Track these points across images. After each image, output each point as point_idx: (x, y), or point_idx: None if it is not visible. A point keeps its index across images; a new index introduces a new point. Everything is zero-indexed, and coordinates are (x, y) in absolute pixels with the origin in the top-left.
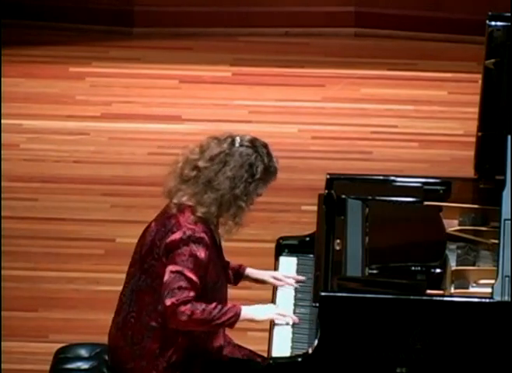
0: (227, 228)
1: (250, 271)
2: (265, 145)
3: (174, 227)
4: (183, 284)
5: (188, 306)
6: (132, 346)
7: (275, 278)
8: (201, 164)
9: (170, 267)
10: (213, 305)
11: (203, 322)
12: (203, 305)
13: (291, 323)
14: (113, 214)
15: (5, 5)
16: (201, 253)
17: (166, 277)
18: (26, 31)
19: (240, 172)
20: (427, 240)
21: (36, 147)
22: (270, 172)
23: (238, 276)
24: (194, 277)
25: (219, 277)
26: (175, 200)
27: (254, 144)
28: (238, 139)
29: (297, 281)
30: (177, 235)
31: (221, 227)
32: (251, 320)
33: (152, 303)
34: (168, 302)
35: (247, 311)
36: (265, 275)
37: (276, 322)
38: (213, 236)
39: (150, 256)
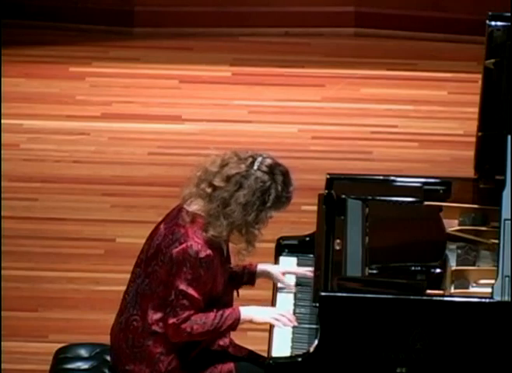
0: (241, 256)
1: (263, 268)
2: (284, 173)
3: (182, 238)
4: (185, 302)
5: (188, 323)
6: (133, 349)
7: (282, 273)
8: (216, 182)
9: (174, 284)
10: (212, 314)
11: (205, 334)
12: (203, 318)
13: (291, 325)
14: (113, 214)
15: (5, 5)
16: (206, 272)
17: (170, 295)
18: (26, 31)
19: (252, 199)
20: (427, 240)
21: (36, 147)
22: (281, 201)
23: (250, 275)
24: (196, 295)
25: (224, 290)
26: (189, 209)
27: (273, 170)
28: (258, 161)
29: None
30: (183, 248)
31: (234, 253)
32: (250, 321)
33: (154, 309)
34: (170, 321)
35: (246, 313)
36: (276, 273)
37: (276, 327)
38: (221, 249)
39: (155, 261)
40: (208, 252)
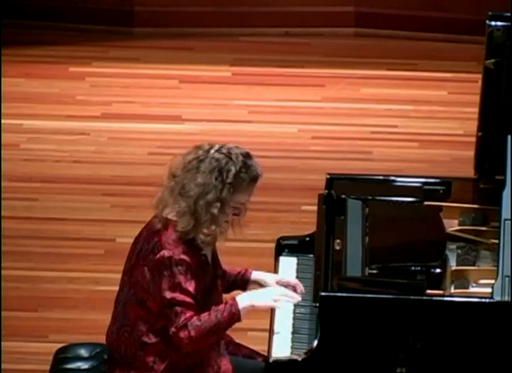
0: (200, 236)
1: (258, 278)
2: (245, 154)
3: (156, 248)
4: (178, 309)
5: (186, 329)
6: (126, 360)
7: (277, 282)
8: (176, 172)
9: (162, 296)
10: (206, 313)
11: (209, 332)
12: (200, 319)
13: (294, 301)
14: (113, 214)
15: (5, 5)
16: (184, 275)
17: (162, 309)
18: (26, 31)
19: (210, 178)
20: (427, 240)
21: (36, 147)
22: (241, 178)
23: (244, 282)
24: (186, 298)
25: (208, 293)
26: (160, 213)
27: (230, 151)
28: (217, 146)
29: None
30: (158, 258)
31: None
32: (252, 307)
33: (142, 320)
34: (170, 332)
35: (245, 301)
36: (271, 282)
37: (280, 304)
38: (199, 253)
39: (136, 271)
40: (182, 256)
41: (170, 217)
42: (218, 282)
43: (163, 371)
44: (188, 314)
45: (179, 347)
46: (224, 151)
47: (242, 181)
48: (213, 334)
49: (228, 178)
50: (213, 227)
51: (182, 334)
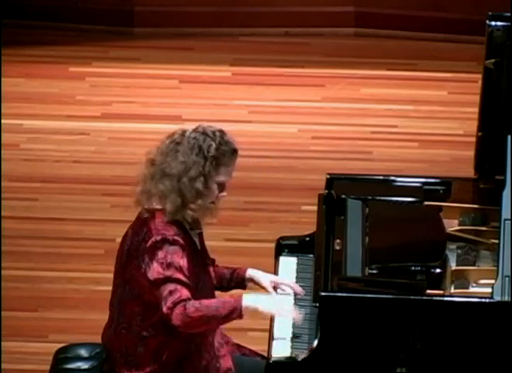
0: (193, 213)
1: (252, 274)
2: (220, 131)
3: (146, 235)
4: (171, 287)
5: (184, 306)
6: (127, 358)
7: (272, 283)
8: (156, 158)
9: (155, 277)
10: (208, 300)
11: (204, 318)
12: (200, 303)
13: (298, 322)
14: (113, 214)
15: (5, 5)
16: (178, 254)
17: (156, 290)
18: (26, 31)
19: (191, 155)
20: (427, 240)
21: (36, 147)
22: (222, 150)
23: (239, 280)
24: (181, 277)
25: (199, 277)
26: (145, 206)
27: (206, 130)
28: (191, 128)
29: (295, 293)
30: (150, 245)
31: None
32: (256, 310)
33: (140, 313)
34: (165, 309)
35: (251, 302)
36: (265, 282)
37: (277, 318)
38: (188, 238)
39: (130, 266)
40: (176, 237)
41: (156, 206)
42: (209, 269)
43: (165, 360)
44: (184, 291)
45: (173, 324)
46: (200, 130)
47: (224, 153)
48: (208, 322)
49: (210, 152)
50: (199, 201)
51: (178, 310)
